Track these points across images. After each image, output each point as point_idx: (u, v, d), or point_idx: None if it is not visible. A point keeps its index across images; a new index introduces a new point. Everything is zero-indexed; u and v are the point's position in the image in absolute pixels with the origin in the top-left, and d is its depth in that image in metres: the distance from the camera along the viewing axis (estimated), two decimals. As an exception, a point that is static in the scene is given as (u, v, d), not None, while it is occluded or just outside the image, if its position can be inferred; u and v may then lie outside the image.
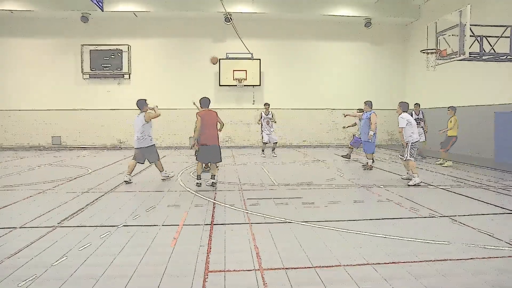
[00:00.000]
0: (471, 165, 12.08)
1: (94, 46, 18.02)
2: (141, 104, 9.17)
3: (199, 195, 7.63)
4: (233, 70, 18.09)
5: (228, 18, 17.47)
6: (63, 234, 5.17)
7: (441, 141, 12.47)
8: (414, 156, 9.20)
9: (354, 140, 12.93)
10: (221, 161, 8.79)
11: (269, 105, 14.39)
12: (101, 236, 5.03)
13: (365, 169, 11.12)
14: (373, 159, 11.40)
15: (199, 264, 4.12)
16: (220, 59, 18.08)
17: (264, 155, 14.53)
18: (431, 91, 17.47)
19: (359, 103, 18.95)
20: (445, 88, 16.42)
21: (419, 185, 8.59)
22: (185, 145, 18.46)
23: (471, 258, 4.27)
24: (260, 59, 18.34)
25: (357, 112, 12.79)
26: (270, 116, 14.27)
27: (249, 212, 6.30)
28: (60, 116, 18.28)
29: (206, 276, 3.82)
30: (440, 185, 8.66)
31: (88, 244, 4.71)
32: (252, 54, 18.20)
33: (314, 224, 5.60)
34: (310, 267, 4.01)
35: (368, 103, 11.44)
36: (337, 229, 5.36)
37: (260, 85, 18.55)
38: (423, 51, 12.11)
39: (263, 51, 18.58)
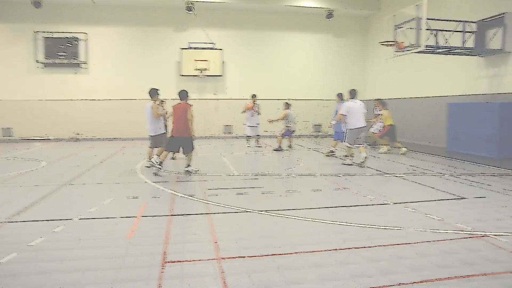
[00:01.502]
0: (425, 154, 12.59)
1: (48, 33, 17.26)
2: (152, 93, 9.48)
3: (159, 186, 7.55)
4: (195, 60, 17.87)
5: (189, 7, 17.20)
6: (12, 229, 4.99)
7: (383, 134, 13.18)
8: (351, 142, 10.01)
9: (336, 134, 13.09)
10: (190, 152, 8.95)
11: (255, 96, 14.32)
12: (54, 230, 4.88)
13: (326, 155, 11.89)
14: (335, 148, 12.04)
15: (156, 255, 4.10)
16: (181, 48, 17.85)
17: (249, 145, 14.51)
18: (390, 82, 18.00)
19: (320, 94, 19.46)
20: (403, 79, 16.96)
21: (377, 175, 8.89)
22: (145, 136, 18.09)
23: (421, 242, 4.47)
24: (222, 49, 18.23)
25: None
26: (256, 108, 14.15)
27: (209, 202, 6.30)
28: (11, 107, 17.45)
29: (163, 267, 3.81)
30: (395, 173, 8.99)
31: (40, 239, 4.57)
32: (214, 44, 18.07)
33: (273, 213, 5.69)
34: (267, 255, 4.08)
35: (339, 95, 11.78)
36: (295, 217, 5.47)
37: (222, 75, 18.45)
38: (382, 43, 12.44)
39: (226, 41, 18.46)
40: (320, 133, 19.93)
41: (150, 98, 9.52)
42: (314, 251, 4.18)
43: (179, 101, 9.03)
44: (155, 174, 8.60)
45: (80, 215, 5.52)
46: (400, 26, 11.93)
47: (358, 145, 10.15)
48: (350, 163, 10.10)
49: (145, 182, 8.01)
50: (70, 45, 17.35)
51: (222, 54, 18.25)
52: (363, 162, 9.89)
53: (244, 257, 4.05)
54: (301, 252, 4.16)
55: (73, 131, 17.85)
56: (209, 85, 18.62)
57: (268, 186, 7.57)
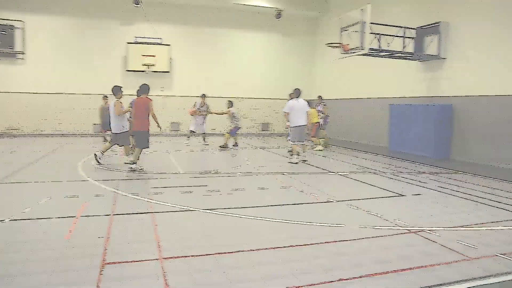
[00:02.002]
0: (368, 153, 13.08)
1: (-20, 21, 16.05)
2: (115, 91, 9.37)
3: (101, 184, 7.26)
4: (142, 55, 17.36)
5: (137, 0, 16.69)
6: None
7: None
8: (294, 140, 10.44)
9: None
10: (147, 147, 9.17)
11: (205, 96, 14.03)
12: (-18, 232, 4.54)
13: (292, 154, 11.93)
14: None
15: (95, 257, 3.92)
16: (128, 43, 17.28)
17: (188, 144, 14.13)
18: (337, 83, 18.51)
19: (269, 93, 19.64)
20: (349, 80, 17.50)
21: (321, 173, 9.10)
22: (88, 132, 17.40)
23: (361, 238, 4.62)
24: (170, 45, 17.86)
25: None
26: (204, 108, 13.80)
27: (153, 201, 6.14)
28: None
29: (102, 269, 3.65)
30: (339, 172, 9.25)
31: (-35, 241, 4.23)
32: (162, 39, 17.67)
33: (218, 211, 5.65)
34: (211, 254, 4.03)
35: (296, 92, 11.55)
36: (240, 216, 5.46)
37: (169, 71, 18.08)
38: (328, 45, 12.74)
39: (174, 37, 18.11)
40: (268, 132, 20.11)
41: (113, 95, 9.40)
42: (258, 250, 4.19)
43: (141, 96, 9.06)
44: (132, 171, 8.67)
45: (12, 216, 5.17)
46: (346, 29, 12.28)
47: (301, 143, 10.57)
48: (296, 161, 10.35)
49: (87, 180, 7.67)
50: (5, 33, 16.19)
51: (169, 50, 17.88)
52: (305, 159, 10.52)
53: (187, 256, 3.97)
54: (245, 250, 4.15)
55: (8, 126, 16.73)
56: (156, 81, 18.16)
57: (214, 185, 7.52)
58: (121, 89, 9.50)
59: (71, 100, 17.04)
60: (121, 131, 9.41)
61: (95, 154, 9.56)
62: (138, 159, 8.92)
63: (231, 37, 19.28)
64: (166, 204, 5.97)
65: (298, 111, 10.32)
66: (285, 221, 5.25)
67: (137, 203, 6.03)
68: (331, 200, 6.47)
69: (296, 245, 4.32)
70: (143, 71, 17.49)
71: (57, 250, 4.07)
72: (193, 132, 14.10)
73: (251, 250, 4.17)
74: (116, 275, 3.55)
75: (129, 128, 9.58)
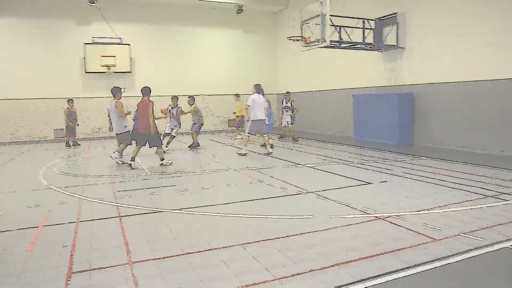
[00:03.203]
0: (335, 143, 13.29)
1: None
2: (115, 91, 9.58)
3: (65, 191, 7.03)
4: (101, 56, 16.91)
5: (92, -1, 16.26)
6: None
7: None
8: (253, 132, 10.93)
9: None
10: (159, 145, 9.47)
11: (177, 98, 13.08)
12: None
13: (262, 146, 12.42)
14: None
15: (61, 267, 3.78)
16: (85, 43, 16.78)
17: (167, 149, 12.64)
18: (301, 76, 18.68)
19: (234, 89, 19.55)
20: (313, 73, 17.70)
21: (290, 166, 9.17)
22: (49, 138, 16.82)
23: (331, 228, 4.69)
24: (130, 45, 17.48)
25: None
26: (174, 111, 12.83)
27: (119, 204, 6.01)
28: None
29: (68, 279, 3.54)
30: (307, 164, 9.36)
31: None
32: (121, 39, 17.27)
33: (187, 211, 5.59)
34: (181, 255, 3.98)
35: (257, 87, 11.57)
36: (209, 214, 5.43)
37: (131, 72, 17.71)
38: (290, 38, 12.82)
39: (133, 36, 17.73)
40: (234, 128, 20.05)
41: (113, 96, 9.60)
42: (229, 246, 4.17)
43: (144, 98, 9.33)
44: (130, 166, 9.10)
45: (-31, 230, 4.94)
46: (306, 22, 12.39)
47: (260, 134, 11.15)
48: (244, 153, 10.87)
49: (49, 188, 7.41)
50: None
51: (130, 50, 17.50)
52: (271, 152, 10.97)
53: (157, 259, 3.91)
54: (215, 248, 4.13)
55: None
56: (118, 82, 17.67)
57: (182, 184, 7.44)
58: (121, 89, 9.73)
59: (27, 105, 16.40)
60: (122, 132, 9.65)
61: (111, 157, 9.92)
62: (163, 156, 9.54)
63: (193, 34, 19.08)
64: (134, 207, 5.86)
65: (258, 106, 10.88)
66: (255, 216, 5.26)
67: (103, 208, 5.88)
68: (300, 192, 6.53)
69: (267, 239, 4.34)
70: (103, 72, 17.06)
71: (19, 264, 3.90)
72: (168, 134, 12.88)
73: (222, 247, 4.15)
74: (84, 284, 3.44)
75: (129, 128, 9.82)
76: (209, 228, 4.89)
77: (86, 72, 17.00)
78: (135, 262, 3.85)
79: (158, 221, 5.23)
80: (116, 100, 9.55)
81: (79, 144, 14.89)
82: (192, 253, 4.03)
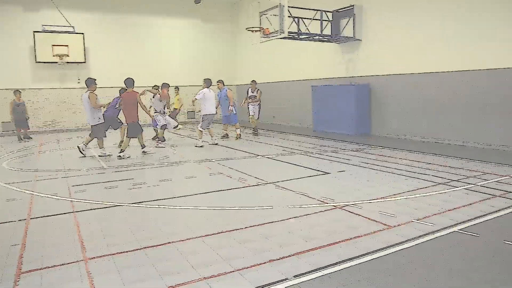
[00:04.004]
0: (294, 134, 13.44)
1: None
2: (89, 83, 9.40)
3: (14, 187, 6.69)
4: (52, 45, 16.13)
5: (41, -16, 15.45)
6: None
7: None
8: (204, 127, 11.03)
9: (223, 118, 13.01)
10: (135, 136, 9.59)
11: (158, 87, 12.26)
12: None
13: (237, 139, 12.36)
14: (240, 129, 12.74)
15: (8, 267, 3.59)
16: (34, 32, 15.96)
17: (162, 145, 11.50)
18: (261, 67, 18.67)
19: (193, 80, 19.28)
20: (273, 64, 17.74)
21: (249, 157, 9.19)
22: (-2, 132, 15.97)
23: (289, 218, 4.73)
24: (83, 33, 16.79)
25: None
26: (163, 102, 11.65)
27: (74, 199, 5.80)
28: None
29: (17, 279, 3.37)
30: (267, 155, 9.40)
31: None
32: (74, 27, 16.57)
33: (145, 204, 5.48)
34: (139, 249, 3.89)
35: (207, 81, 11.25)
36: (168, 206, 5.35)
37: (85, 62, 17.03)
38: (248, 29, 12.77)
39: (88, 25, 17.04)
40: (195, 119, 19.84)
41: (86, 87, 9.44)
42: (188, 239, 4.12)
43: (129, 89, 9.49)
44: (119, 157, 9.26)
45: None
46: (265, 13, 12.38)
47: (208, 128, 11.27)
48: (201, 145, 11.02)
49: (-4, 184, 7.04)
50: None
51: (84, 39, 16.81)
52: (216, 143, 11.32)
53: (113, 254, 3.80)
54: (174, 241, 4.07)
55: None
56: (72, 72, 17.08)
57: (140, 177, 7.29)
58: (95, 81, 9.49)
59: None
60: (96, 123, 9.48)
61: (78, 147, 9.89)
62: (126, 147, 9.64)
63: (150, 23, 18.60)
64: (89, 201, 5.67)
65: (210, 100, 10.98)
66: (214, 208, 5.23)
67: (56, 204, 5.65)
68: (259, 183, 6.55)
69: (226, 231, 4.32)
70: (55, 62, 16.31)
71: (-36, 264, 3.68)
72: (165, 125, 11.77)
73: (180, 240, 4.10)
74: (34, 284, 3.29)
75: (104, 120, 9.77)
76: (167, 221, 4.81)
77: (37, 62, 16.20)
78: (90, 258, 3.72)
79: (115, 216, 5.09)
80: (90, 91, 9.34)
81: (31, 138, 14.21)
82: (150, 247, 3.95)
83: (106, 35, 17.62)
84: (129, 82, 9.52)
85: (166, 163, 8.65)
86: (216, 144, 11.34)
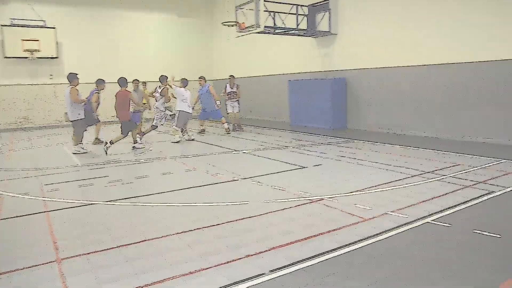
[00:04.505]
0: (272, 129, 13.47)
1: None
2: (71, 78, 9.36)
3: (-18, 187, 6.48)
4: (22, 40, 15.63)
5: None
6: None
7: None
8: (179, 126, 11.06)
9: (201, 114, 12.91)
10: (126, 133, 9.65)
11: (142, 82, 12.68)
12: None
13: (225, 134, 12.38)
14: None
15: (-24, 269, 3.50)
16: (2, 25, 15.42)
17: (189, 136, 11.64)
18: (236, 62, 18.60)
19: (171, 74, 18.99)
20: (250, 59, 17.69)
21: (226, 153, 9.17)
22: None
23: (266, 213, 4.74)
24: (55, 28, 16.33)
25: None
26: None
27: (47, 199, 5.66)
28: None
29: (-15, 282, 3.27)
30: (243, 150, 9.39)
31: None
32: (44, 21, 16.10)
33: (120, 202, 5.39)
34: (114, 248, 3.83)
35: (183, 82, 11.28)
36: (144, 204, 5.28)
37: (58, 57, 16.59)
38: (224, 24, 12.69)
39: (59, 19, 16.56)
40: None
41: (68, 82, 9.38)
42: (164, 236, 4.08)
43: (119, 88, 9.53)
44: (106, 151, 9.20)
45: None
46: (241, 7, 12.31)
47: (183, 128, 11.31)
48: (177, 140, 11.01)
49: (-36, 184, 6.80)
50: None
51: (56, 34, 16.36)
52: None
53: (88, 253, 3.73)
54: (150, 239, 4.02)
55: None
56: (43, 68, 16.62)
57: (116, 175, 7.17)
58: (77, 75, 9.47)
59: None
60: (76, 119, 9.40)
61: (74, 153, 9.67)
62: (136, 137, 10.01)
63: (124, 18, 18.24)
64: (63, 200, 5.54)
65: (187, 100, 11.00)
66: (190, 204, 5.20)
67: (28, 203, 5.50)
68: (236, 179, 6.54)
69: (203, 227, 4.30)
70: (26, 57, 15.82)
71: None
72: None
73: (156, 238, 4.05)
74: (3, 287, 3.20)
75: (85, 116, 9.68)
76: (143, 218, 4.76)
77: (5, 57, 15.66)
78: (63, 258, 3.64)
79: (90, 214, 4.99)
80: (72, 86, 9.31)
81: None
82: (125, 245, 3.89)
83: (79, 29, 17.19)
84: (122, 81, 9.60)
85: (142, 160, 8.54)
86: (192, 139, 11.30)
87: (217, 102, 12.16)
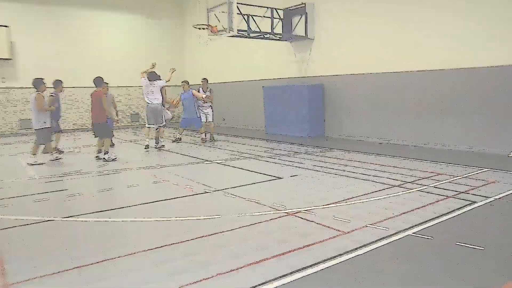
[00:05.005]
0: (246, 137, 13.46)
1: None
2: (37, 84, 9.21)
3: None
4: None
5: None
6: None
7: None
8: (150, 123, 11.14)
9: (182, 121, 12.70)
10: (105, 137, 9.57)
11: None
12: None
13: (201, 143, 12.34)
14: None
15: None
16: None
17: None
18: (209, 67, 18.55)
19: (136, 81, 18.69)
20: (223, 64, 17.70)
21: (197, 163, 9.09)
22: None
23: (240, 227, 4.69)
24: (9, 27, 15.85)
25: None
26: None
27: (-4, 216, 5.43)
28: None
29: None
30: (216, 160, 9.33)
31: None
32: (-4, 20, 15.67)
33: (81, 218, 5.22)
34: (71, 269, 3.69)
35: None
36: (106, 219, 5.13)
37: (12, 58, 16.11)
38: (195, 27, 12.66)
39: (14, 17, 16.13)
40: (139, 123, 19.39)
41: (35, 88, 9.23)
42: (128, 255, 3.96)
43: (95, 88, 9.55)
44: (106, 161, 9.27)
45: None
46: (212, 9, 12.34)
47: (151, 126, 11.27)
48: (145, 144, 11.14)
49: None
50: None
51: (9, 33, 15.89)
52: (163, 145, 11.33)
53: (42, 276, 3.57)
54: (112, 258, 3.89)
55: None
56: (-5, 70, 16.11)
57: (76, 188, 6.98)
58: (43, 81, 9.33)
59: None
60: (41, 127, 9.24)
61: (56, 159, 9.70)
62: (109, 149, 9.60)
63: (87, 17, 17.95)
64: (15, 217, 5.32)
65: (146, 90, 11.11)
66: (158, 219, 5.09)
67: (-26, 221, 5.26)
68: (207, 191, 6.47)
69: (171, 244, 4.20)
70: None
71: None
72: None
73: (120, 256, 3.93)
74: None
75: (51, 125, 9.55)
76: (106, 235, 4.62)
77: (-47, 59, 15.14)
78: (12, 284, 3.47)
79: (45, 232, 4.81)
80: (38, 92, 9.16)
81: None
82: (85, 265, 3.75)
83: (36, 28, 16.77)
84: (98, 80, 9.60)
85: (106, 171, 8.35)
86: (162, 146, 11.18)
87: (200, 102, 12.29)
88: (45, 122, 9.30)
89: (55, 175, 8.11)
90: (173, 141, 12.55)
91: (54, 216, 5.32)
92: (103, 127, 9.56)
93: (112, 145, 11.03)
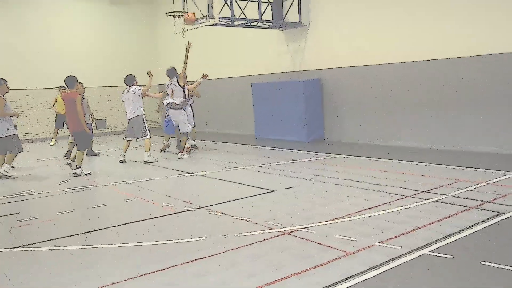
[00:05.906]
0: (233, 144, 13.50)
1: None
2: None
3: None
4: None
5: None
6: None
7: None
8: (127, 136, 11.10)
9: (167, 127, 12.60)
10: (82, 149, 9.38)
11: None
12: None
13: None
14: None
15: None
16: None
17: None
18: (189, 62, 18.45)
19: (103, 80, 18.72)
20: (203, 57, 17.61)
21: (176, 176, 9.06)
22: None
23: (227, 251, 4.66)
24: None
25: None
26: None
27: None
28: None
29: None
30: (198, 172, 9.31)
31: None
32: None
33: (34, 247, 5.16)
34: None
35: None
36: (66, 247, 5.07)
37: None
38: (169, 14, 12.65)
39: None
40: (106, 130, 19.30)
41: None
42: (101, 287, 3.92)
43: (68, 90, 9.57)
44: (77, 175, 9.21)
45: None
46: (189, -6, 12.36)
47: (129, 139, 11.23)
48: (121, 159, 11.06)
49: None
50: None
51: None
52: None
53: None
54: (75, 293, 3.86)
55: None
56: None
57: (29, 210, 6.95)
58: (5, 82, 9.38)
59: None
60: (5, 135, 9.29)
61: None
62: (81, 163, 9.43)
63: (37, 4, 17.77)
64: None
65: (127, 102, 10.96)
66: (129, 244, 5.06)
67: None
68: (188, 209, 6.45)
69: (145, 274, 4.16)
70: None
71: None
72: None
73: (84, 290, 3.89)
74: None
75: (15, 131, 9.51)
76: (65, 267, 4.55)
77: None
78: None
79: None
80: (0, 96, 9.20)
81: None
82: (40, 303, 3.71)
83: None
84: (69, 80, 9.39)
85: (68, 189, 8.28)
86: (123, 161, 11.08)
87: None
88: (8, 129, 9.32)
89: (4, 196, 8.00)
90: (162, 150, 12.70)
91: (1, 245, 5.25)
92: (82, 136, 9.42)
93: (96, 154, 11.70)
